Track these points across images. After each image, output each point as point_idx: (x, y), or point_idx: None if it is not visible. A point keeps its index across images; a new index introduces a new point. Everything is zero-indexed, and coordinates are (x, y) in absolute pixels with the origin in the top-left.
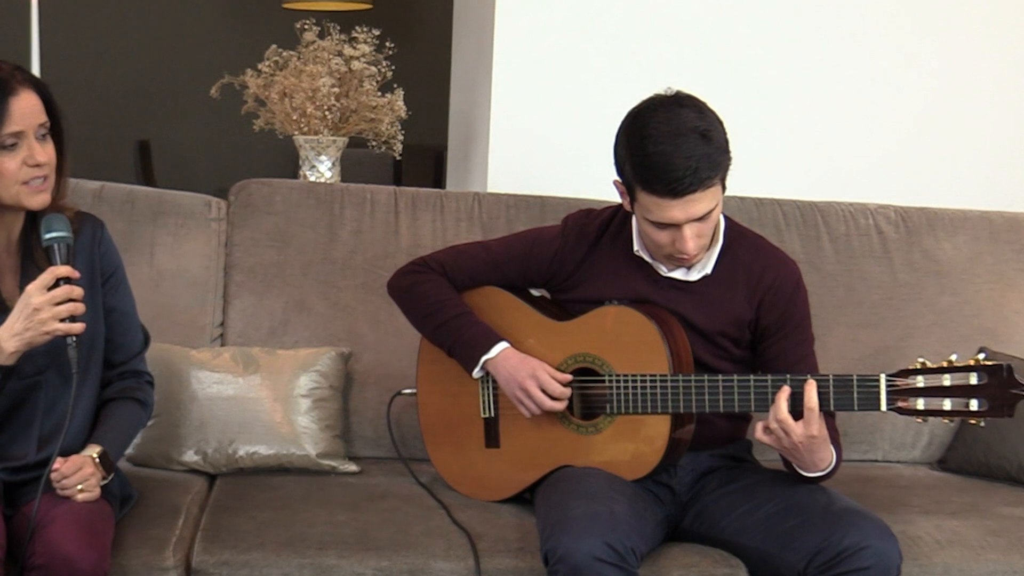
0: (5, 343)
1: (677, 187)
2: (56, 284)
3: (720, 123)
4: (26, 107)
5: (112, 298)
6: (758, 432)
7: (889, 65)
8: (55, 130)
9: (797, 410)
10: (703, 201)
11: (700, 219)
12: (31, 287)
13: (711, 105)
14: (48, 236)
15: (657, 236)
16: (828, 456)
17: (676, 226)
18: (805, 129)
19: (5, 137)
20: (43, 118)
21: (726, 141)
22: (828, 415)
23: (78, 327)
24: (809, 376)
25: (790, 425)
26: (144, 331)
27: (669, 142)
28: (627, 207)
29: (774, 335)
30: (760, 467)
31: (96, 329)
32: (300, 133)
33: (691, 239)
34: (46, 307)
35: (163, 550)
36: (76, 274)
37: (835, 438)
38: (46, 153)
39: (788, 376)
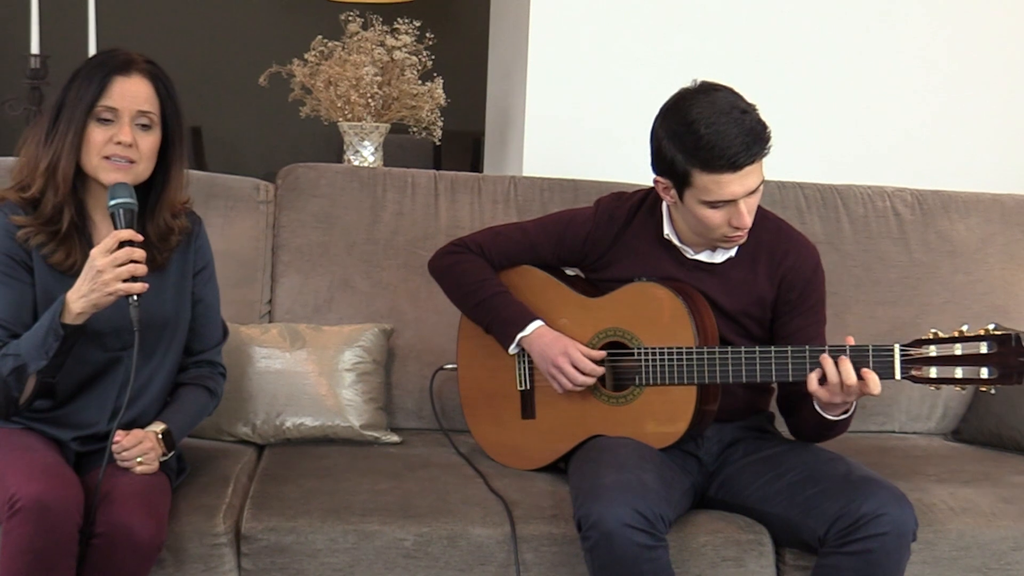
0: (73, 304)
1: (737, 160)
2: (121, 247)
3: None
4: (130, 90)
5: (201, 290)
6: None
7: (905, 55)
8: (166, 130)
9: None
10: (756, 173)
11: (752, 192)
12: (95, 250)
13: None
14: (112, 203)
15: (713, 219)
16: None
17: (732, 203)
18: (826, 116)
19: (100, 109)
20: (146, 107)
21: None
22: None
23: (139, 287)
24: (827, 348)
25: (854, 386)
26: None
27: (719, 121)
28: (671, 201)
29: (789, 313)
30: (782, 438)
31: (182, 315)
32: (344, 120)
33: (746, 215)
34: (108, 268)
35: (214, 517)
36: (139, 237)
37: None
38: (139, 141)
39: (807, 348)
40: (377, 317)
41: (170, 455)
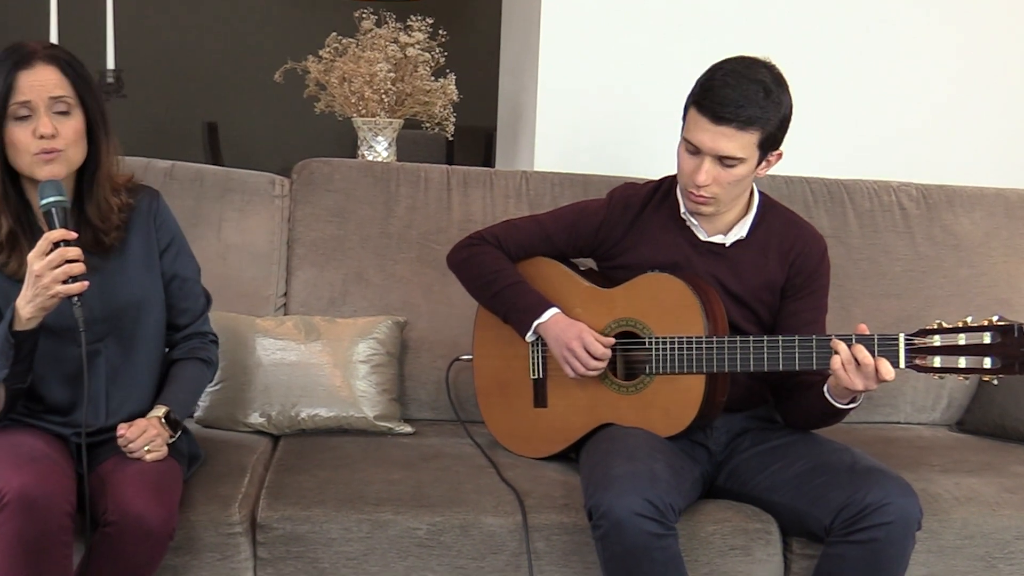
0: (21, 310)
1: (719, 111)
2: (57, 247)
3: (787, 95)
4: (38, 80)
5: (173, 265)
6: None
7: (911, 51)
8: (86, 109)
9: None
10: (732, 140)
11: (721, 162)
12: (31, 255)
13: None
14: (43, 203)
15: (685, 164)
16: None
17: (700, 155)
18: (832, 111)
19: (15, 107)
20: (58, 92)
21: (785, 110)
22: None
23: (77, 287)
24: (832, 337)
25: (871, 366)
26: (206, 293)
27: (734, 79)
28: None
29: (792, 295)
30: (789, 428)
31: (153, 295)
32: (358, 115)
33: (704, 173)
34: (45, 272)
35: (230, 506)
36: (71, 235)
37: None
38: (60, 128)
39: (814, 337)
40: (391, 310)
41: (176, 435)
